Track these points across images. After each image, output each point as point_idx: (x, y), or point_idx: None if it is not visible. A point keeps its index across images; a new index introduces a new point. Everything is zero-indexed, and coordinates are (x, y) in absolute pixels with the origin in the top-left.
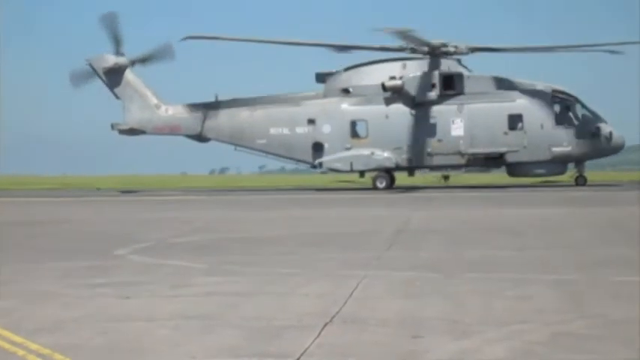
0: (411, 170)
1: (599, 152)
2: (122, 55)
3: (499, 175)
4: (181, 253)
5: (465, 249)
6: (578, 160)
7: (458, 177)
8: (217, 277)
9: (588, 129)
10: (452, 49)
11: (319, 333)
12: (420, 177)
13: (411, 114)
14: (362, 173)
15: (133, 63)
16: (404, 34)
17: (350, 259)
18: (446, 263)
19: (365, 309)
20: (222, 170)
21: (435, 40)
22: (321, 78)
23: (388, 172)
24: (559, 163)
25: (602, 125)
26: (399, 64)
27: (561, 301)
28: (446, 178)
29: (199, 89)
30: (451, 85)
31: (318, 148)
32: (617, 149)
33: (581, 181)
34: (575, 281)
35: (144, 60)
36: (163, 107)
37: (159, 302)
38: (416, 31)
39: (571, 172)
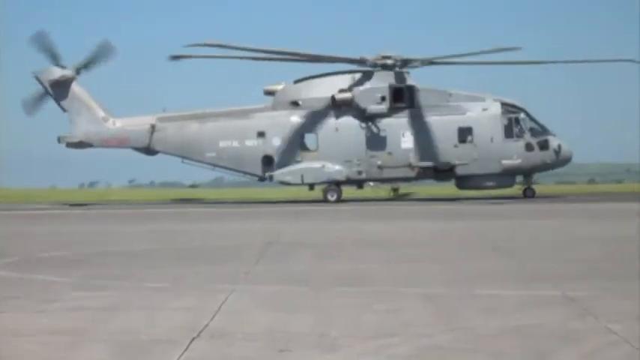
0: (359, 183)
1: (548, 165)
2: (65, 67)
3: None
4: (49, 268)
5: (335, 263)
6: (527, 173)
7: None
8: (85, 292)
9: (537, 142)
10: (400, 62)
11: (186, 347)
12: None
13: (361, 127)
14: (312, 186)
15: (78, 72)
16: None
17: (219, 273)
18: (315, 277)
19: (233, 323)
20: (92, 184)
21: (393, 53)
22: (269, 91)
23: (338, 185)
24: (508, 176)
25: (550, 138)
26: (348, 76)
27: (429, 315)
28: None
29: (145, 102)
30: (401, 98)
31: (267, 161)
32: (566, 162)
33: (529, 193)
34: (443, 295)
35: (87, 65)
36: (111, 120)
37: (26, 317)
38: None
39: (519, 185)
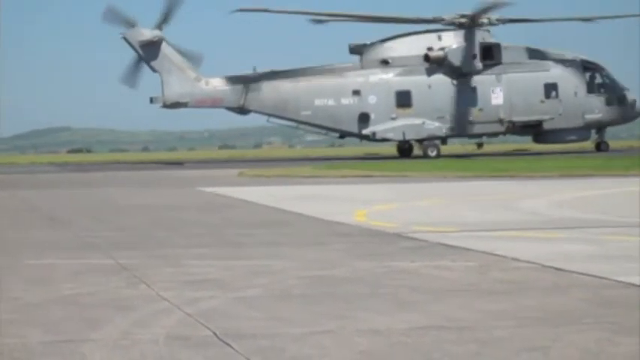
0: (444, 140)
1: (625, 118)
2: (159, 29)
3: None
4: None
5: None
6: (606, 126)
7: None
8: None
9: (616, 96)
10: (485, 21)
11: None
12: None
13: (453, 84)
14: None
15: (160, 28)
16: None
17: None
18: None
19: None
20: None
21: (472, 12)
22: (355, 50)
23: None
24: (588, 130)
25: (627, 93)
26: (434, 35)
27: None
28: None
29: (229, 63)
30: (490, 56)
31: (364, 118)
32: (638, 115)
33: (604, 146)
34: None
35: (165, 20)
36: (203, 80)
37: None
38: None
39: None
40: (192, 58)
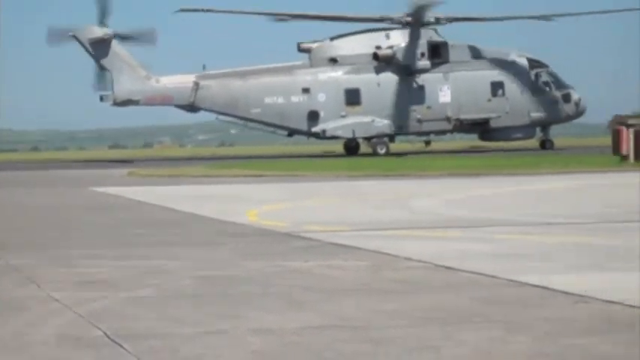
0: (391, 137)
1: (569, 117)
2: (106, 26)
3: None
4: None
5: None
6: (551, 124)
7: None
8: None
9: (561, 95)
10: (433, 20)
11: None
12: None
13: (402, 82)
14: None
15: (103, 23)
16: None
17: None
18: None
19: None
20: None
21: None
22: (304, 48)
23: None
24: (533, 128)
25: (571, 92)
26: (382, 34)
27: None
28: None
29: (179, 61)
30: (438, 54)
31: (313, 116)
32: (582, 113)
33: (548, 144)
34: None
35: (125, 38)
36: (153, 78)
37: None
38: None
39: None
40: (146, 36)
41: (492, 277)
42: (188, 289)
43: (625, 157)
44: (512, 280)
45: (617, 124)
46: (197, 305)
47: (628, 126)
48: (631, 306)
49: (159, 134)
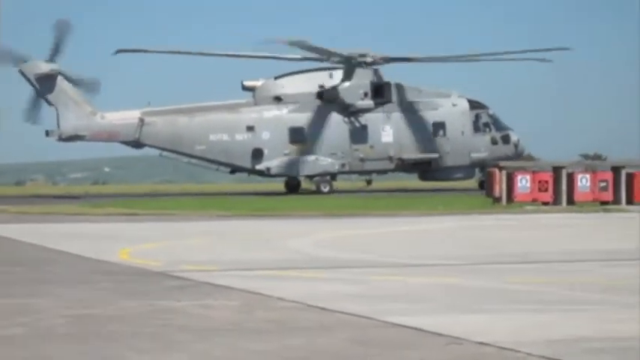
0: (333, 176)
1: (508, 157)
2: (54, 62)
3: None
4: None
5: None
6: (489, 165)
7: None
8: None
9: (500, 136)
10: (369, 60)
11: None
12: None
13: (345, 121)
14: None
15: (54, 60)
16: (300, 45)
17: None
18: None
19: None
20: None
21: (352, 50)
22: (248, 87)
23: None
24: (473, 168)
25: (510, 133)
26: (326, 73)
27: None
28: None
29: (123, 98)
30: (381, 94)
31: (257, 154)
32: (522, 154)
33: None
34: None
35: (71, 80)
36: (99, 114)
37: None
38: (309, 42)
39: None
40: (90, 85)
41: (366, 317)
42: (60, 328)
43: (498, 200)
44: (384, 322)
45: (492, 167)
46: (70, 344)
47: (501, 168)
48: (502, 348)
49: (31, 172)
